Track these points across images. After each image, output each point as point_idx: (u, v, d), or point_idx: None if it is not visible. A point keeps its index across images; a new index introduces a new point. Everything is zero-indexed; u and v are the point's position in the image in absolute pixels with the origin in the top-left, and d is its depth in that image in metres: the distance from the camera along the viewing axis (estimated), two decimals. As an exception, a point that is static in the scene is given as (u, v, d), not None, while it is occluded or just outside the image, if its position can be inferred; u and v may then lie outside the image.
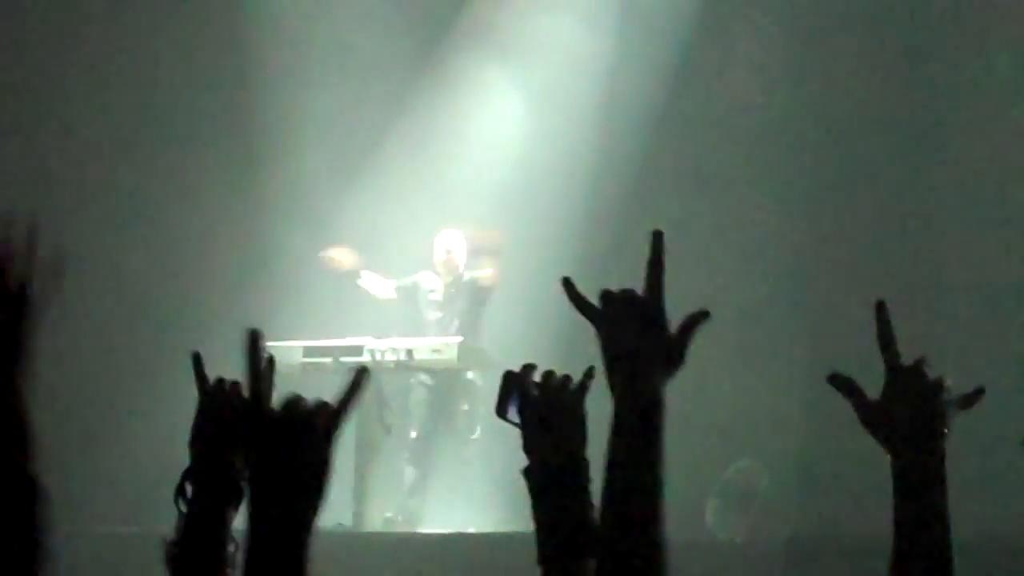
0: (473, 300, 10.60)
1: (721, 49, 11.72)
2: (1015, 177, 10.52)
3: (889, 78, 11.06)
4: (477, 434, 10.40)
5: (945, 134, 10.71)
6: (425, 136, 11.94)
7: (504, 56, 12.05)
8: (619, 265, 11.38)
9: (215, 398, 2.48)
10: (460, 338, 10.13)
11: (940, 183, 10.65)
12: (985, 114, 10.67)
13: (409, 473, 10.41)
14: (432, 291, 10.70)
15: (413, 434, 10.46)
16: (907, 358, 2.27)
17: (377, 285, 10.78)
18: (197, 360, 2.51)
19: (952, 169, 10.69)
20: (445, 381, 10.42)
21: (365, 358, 10.08)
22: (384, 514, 10.06)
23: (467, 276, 10.66)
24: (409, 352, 10.09)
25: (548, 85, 11.93)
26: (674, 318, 2.17)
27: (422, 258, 10.82)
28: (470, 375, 10.43)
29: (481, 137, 11.98)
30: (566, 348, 10.80)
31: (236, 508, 2.44)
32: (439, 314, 10.59)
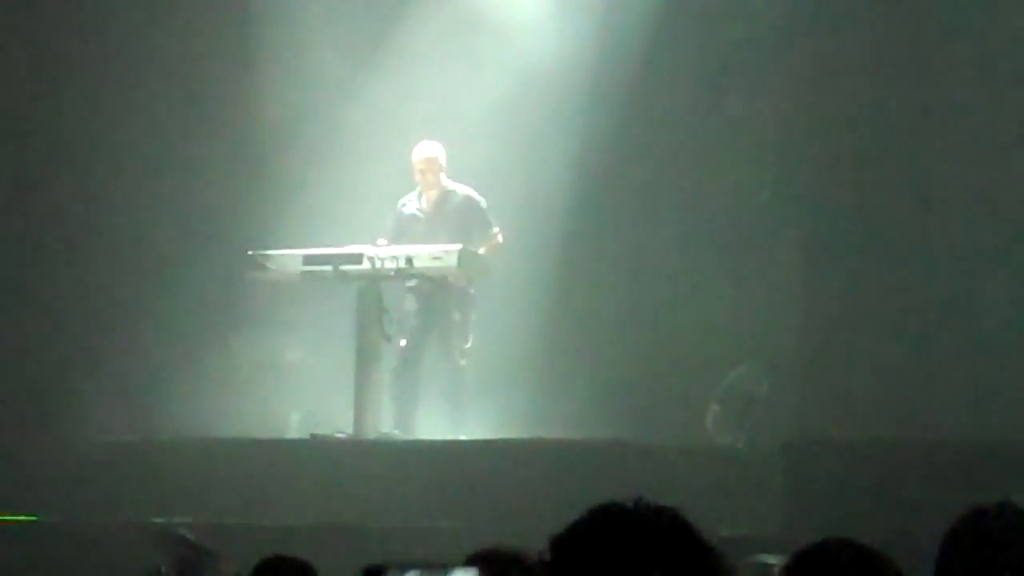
0: (463, 223, 10.48)
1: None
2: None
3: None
4: (470, 343, 10.44)
5: (955, 24, 10.50)
6: (425, 45, 11.84)
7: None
8: (620, 170, 11.35)
9: None
10: (460, 245, 10.09)
11: (947, 77, 10.51)
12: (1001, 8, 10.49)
13: (400, 382, 10.43)
14: (416, 212, 10.60)
15: (404, 343, 10.48)
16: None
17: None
18: None
19: (961, 62, 10.54)
20: (438, 290, 10.39)
21: (365, 266, 10.09)
22: (381, 429, 10.09)
23: (459, 193, 10.57)
24: (409, 259, 10.07)
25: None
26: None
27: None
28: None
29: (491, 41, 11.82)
30: (562, 266, 10.82)
31: None
32: (424, 231, 10.47)
